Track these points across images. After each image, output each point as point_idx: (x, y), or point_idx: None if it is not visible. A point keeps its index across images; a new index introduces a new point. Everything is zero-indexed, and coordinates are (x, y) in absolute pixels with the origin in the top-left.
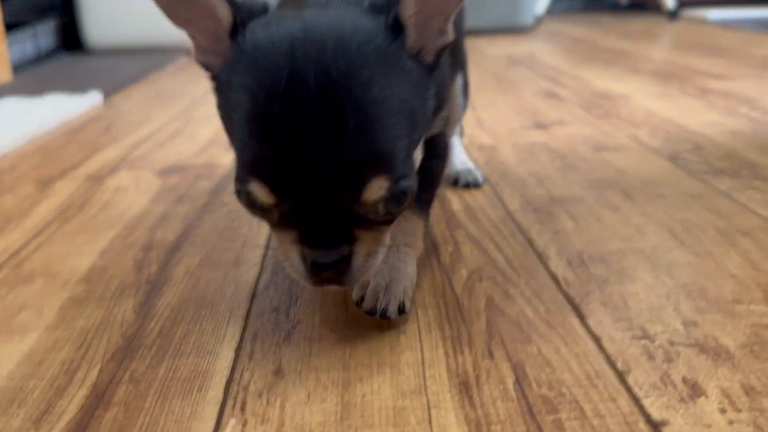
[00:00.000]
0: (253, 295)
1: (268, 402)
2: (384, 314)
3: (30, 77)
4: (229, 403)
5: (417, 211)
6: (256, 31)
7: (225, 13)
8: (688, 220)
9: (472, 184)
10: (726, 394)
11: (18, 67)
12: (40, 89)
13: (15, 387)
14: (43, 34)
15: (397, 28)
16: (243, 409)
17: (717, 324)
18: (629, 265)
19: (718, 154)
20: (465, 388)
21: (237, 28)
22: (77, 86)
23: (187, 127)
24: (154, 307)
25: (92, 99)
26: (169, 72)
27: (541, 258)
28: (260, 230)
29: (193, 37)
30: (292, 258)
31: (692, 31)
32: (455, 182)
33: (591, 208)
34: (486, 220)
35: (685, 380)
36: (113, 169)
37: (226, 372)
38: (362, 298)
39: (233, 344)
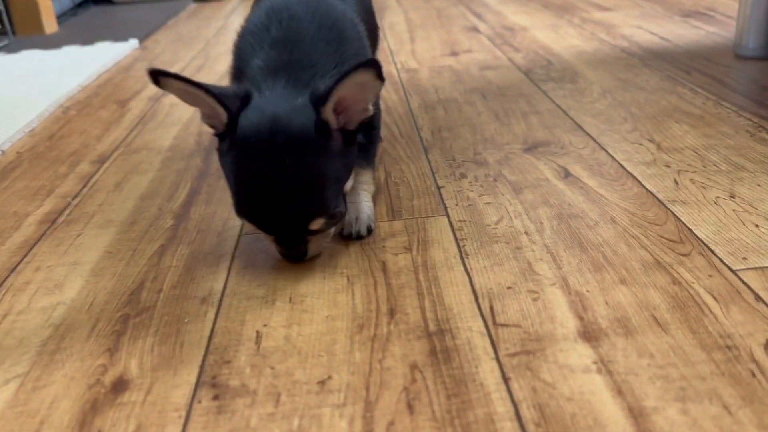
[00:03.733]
0: None
1: None
2: (359, 235)
3: (71, 27)
4: None
5: (366, 166)
6: (242, 125)
7: (222, 112)
8: (510, 108)
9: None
10: (476, 178)
11: (59, 19)
12: (86, 38)
13: (153, 191)
14: None
15: (323, 123)
16: None
17: (488, 154)
18: (461, 132)
19: (558, 68)
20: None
21: (231, 121)
22: (113, 34)
23: (207, 62)
24: (212, 158)
25: (132, 44)
26: (183, 18)
27: (419, 131)
28: None
29: (199, 109)
30: (272, 249)
31: None
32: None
33: (458, 104)
34: (395, 113)
35: (460, 173)
36: (163, 93)
37: None
38: (341, 230)
39: None
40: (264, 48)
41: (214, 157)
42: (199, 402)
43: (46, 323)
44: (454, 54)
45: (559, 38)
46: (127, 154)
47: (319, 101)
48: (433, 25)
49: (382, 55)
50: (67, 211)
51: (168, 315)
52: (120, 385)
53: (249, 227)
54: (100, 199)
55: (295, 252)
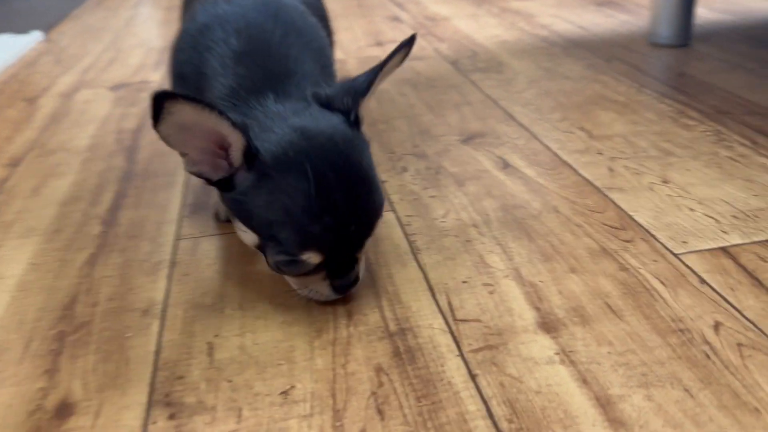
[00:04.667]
0: None
1: None
2: None
3: None
4: None
5: None
6: (267, 148)
7: (236, 138)
8: (442, 99)
9: None
10: (418, 171)
11: None
12: None
13: (74, 195)
14: None
15: (356, 121)
16: None
17: (427, 146)
18: (397, 124)
19: (484, 58)
20: None
21: (251, 148)
22: (13, 25)
23: (119, 55)
24: (136, 158)
25: (36, 36)
26: (88, 8)
27: None
28: None
29: (185, 154)
30: (322, 289)
31: None
32: None
33: (391, 95)
34: None
35: (401, 167)
36: (75, 89)
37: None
38: None
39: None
40: (228, 64)
41: (140, 156)
42: (155, 423)
43: None
44: (379, 44)
45: (481, 28)
46: (42, 156)
47: (357, 95)
48: (354, 15)
49: None
50: None
51: (108, 330)
52: (64, 410)
53: (287, 278)
54: (18, 206)
55: (353, 276)
